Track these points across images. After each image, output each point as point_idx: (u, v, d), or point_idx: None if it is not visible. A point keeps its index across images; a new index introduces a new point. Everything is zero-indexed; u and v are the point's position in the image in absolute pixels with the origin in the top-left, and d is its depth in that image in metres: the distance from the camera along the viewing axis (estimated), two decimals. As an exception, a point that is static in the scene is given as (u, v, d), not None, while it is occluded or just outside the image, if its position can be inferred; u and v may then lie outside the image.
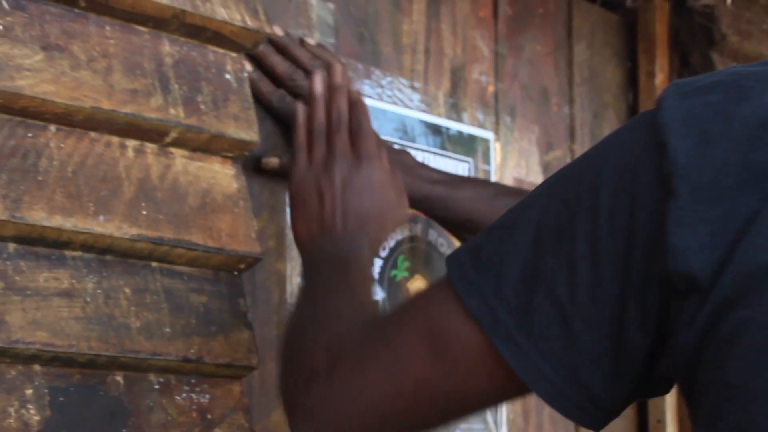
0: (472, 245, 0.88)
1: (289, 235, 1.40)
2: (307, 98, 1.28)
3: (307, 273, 1.18)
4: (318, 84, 1.27)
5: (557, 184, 0.87)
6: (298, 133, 1.25)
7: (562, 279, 0.82)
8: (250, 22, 1.24)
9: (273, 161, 1.31)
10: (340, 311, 1.03)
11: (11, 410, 1.03)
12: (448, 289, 0.87)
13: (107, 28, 1.16)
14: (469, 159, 1.67)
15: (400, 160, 1.38)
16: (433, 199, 1.38)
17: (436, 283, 0.91)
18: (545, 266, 0.82)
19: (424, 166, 1.43)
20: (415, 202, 1.36)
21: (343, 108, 1.26)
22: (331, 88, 1.27)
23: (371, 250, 1.22)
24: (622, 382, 0.84)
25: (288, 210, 1.30)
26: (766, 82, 0.80)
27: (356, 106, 1.27)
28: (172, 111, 1.18)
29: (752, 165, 0.77)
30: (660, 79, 1.92)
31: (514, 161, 1.76)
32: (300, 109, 1.26)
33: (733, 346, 0.76)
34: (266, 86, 1.31)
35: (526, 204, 0.87)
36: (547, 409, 1.74)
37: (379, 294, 1.51)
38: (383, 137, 1.55)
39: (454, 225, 1.43)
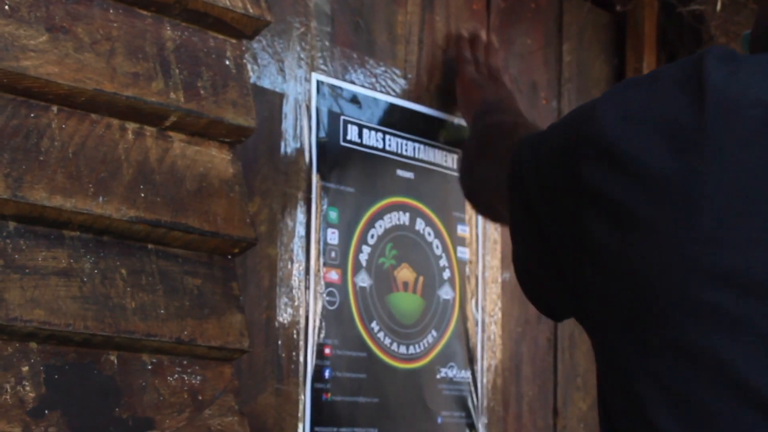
0: (540, 134, 1.02)
1: (280, 220, 1.42)
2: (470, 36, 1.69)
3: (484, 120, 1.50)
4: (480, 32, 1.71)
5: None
6: (466, 52, 1.65)
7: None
8: (251, 10, 1.25)
9: None
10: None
11: (7, 386, 1.05)
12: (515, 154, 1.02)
13: (111, 11, 1.17)
14: (459, 150, 1.69)
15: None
16: None
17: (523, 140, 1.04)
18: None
19: None
20: None
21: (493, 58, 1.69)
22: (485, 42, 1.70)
23: None
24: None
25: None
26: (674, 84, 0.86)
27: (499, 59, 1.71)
28: (172, 95, 1.19)
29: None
30: (647, 76, 1.94)
31: (502, 153, 1.78)
32: (468, 36, 1.68)
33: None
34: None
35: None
36: (526, 399, 1.77)
37: (366, 281, 1.53)
38: (376, 125, 1.57)
39: None
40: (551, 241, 0.93)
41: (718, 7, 1.74)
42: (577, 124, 0.89)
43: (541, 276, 0.97)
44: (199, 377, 1.20)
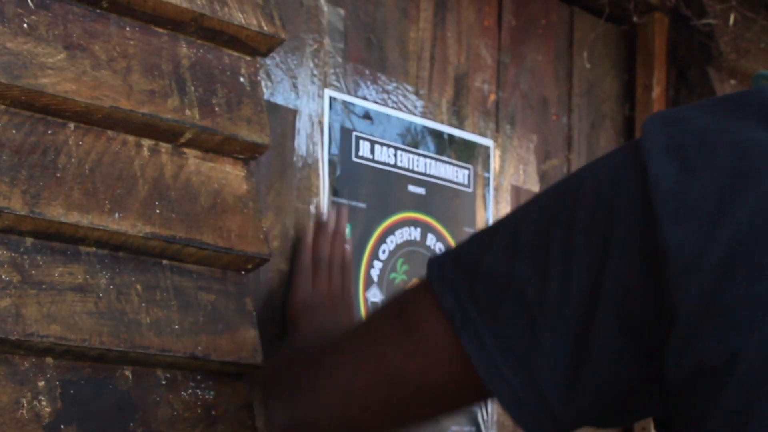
0: (455, 247, 0.92)
1: (293, 236, 1.43)
2: (314, 228, 1.39)
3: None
4: (331, 218, 1.40)
5: (542, 195, 0.90)
6: (304, 255, 1.36)
7: (533, 285, 0.83)
8: (266, 27, 1.26)
9: None
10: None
11: (24, 401, 1.06)
12: (427, 285, 0.89)
13: (127, 29, 1.18)
14: (469, 166, 1.69)
15: None
16: None
17: (418, 281, 0.93)
18: (519, 272, 0.84)
19: None
20: None
21: (340, 250, 1.38)
22: (335, 230, 1.39)
23: None
24: (579, 395, 0.83)
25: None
26: (746, 112, 0.82)
27: (349, 255, 1.40)
28: (187, 112, 1.20)
29: (733, 194, 0.78)
30: (657, 92, 1.95)
31: (513, 169, 1.78)
32: (310, 234, 1.38)
33: (729, 375, 0.77)
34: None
35: (512, 213, 0.91)
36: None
37: (377, 296, 1.54)
38: (388, 141, 1.58)
39: None
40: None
41: (731, 20, 1.74)
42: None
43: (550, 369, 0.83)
44: (212, 392, 1.21)
